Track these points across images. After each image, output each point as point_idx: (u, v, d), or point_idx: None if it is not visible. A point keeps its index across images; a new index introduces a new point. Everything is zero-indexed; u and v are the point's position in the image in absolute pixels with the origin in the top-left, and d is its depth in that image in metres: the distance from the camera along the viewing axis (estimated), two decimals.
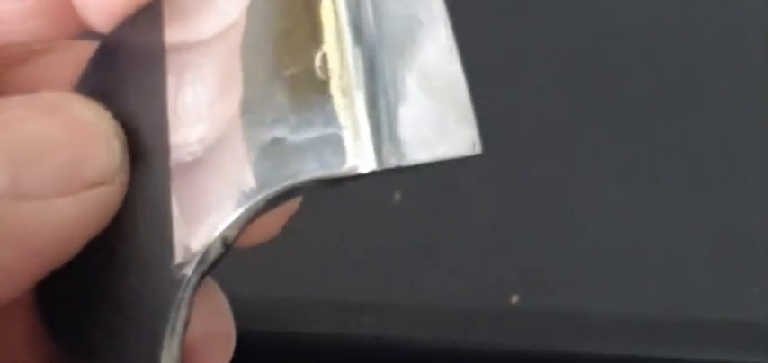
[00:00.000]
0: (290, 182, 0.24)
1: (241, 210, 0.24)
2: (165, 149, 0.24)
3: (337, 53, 0.24)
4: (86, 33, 0.27)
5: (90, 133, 0.24)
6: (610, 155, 0.46)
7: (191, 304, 0.24)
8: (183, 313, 0.24)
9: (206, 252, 0.24)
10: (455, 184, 0.45)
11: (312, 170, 0.24)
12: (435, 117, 0.24)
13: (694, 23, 0.48)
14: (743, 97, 0.47)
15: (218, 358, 0.28)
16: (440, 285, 0.43)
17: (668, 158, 0.46)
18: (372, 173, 0.23)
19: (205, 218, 0.24)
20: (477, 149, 0.24)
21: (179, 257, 0.24)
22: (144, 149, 0.25)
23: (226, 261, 0.25)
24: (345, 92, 0.24)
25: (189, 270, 0.24)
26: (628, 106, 0.47)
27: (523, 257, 0.44)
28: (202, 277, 0.24)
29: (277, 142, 0.24)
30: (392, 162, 0.23)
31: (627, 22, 0.48)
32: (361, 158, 0.23)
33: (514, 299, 0.43)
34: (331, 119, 0.24)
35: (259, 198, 0.24)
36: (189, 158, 0.24)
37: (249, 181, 0.24)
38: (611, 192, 0.45)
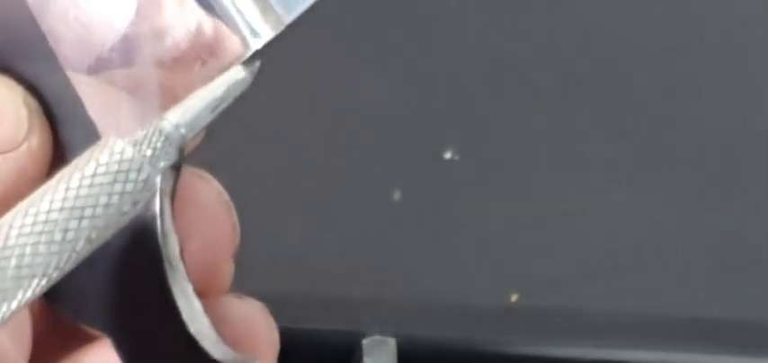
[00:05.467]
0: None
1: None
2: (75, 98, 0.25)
3: None
4: None
5: None
6: (610, 157, 0.46)
7: (172, 222, 0.24)
8: (171, 238, 0.24)
9: (159, 177, 0.24)
10: (455, 184, 0.45)
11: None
12: None
13: (695, 26, 0.48)
14: (743, 99, 0.47)
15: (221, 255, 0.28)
16: (439, 284, 0.43)
17: (668, 159, 0.46)
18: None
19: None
20: None
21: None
22: (60, 102, 0.25)
23: None
24: None
25: (156, 206, 0.24)
26: (628, 108, 0.47)
27: (523, 257, 0.44)
28: (172, 193, 0.24)
29: None
30: (283, 21, 0.24)
31: (628, 24, 0.48)
32: (254, 36, 0.24)
33: (514, 299, 0.43)
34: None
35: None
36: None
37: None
38: (610, 193, 0.45)
